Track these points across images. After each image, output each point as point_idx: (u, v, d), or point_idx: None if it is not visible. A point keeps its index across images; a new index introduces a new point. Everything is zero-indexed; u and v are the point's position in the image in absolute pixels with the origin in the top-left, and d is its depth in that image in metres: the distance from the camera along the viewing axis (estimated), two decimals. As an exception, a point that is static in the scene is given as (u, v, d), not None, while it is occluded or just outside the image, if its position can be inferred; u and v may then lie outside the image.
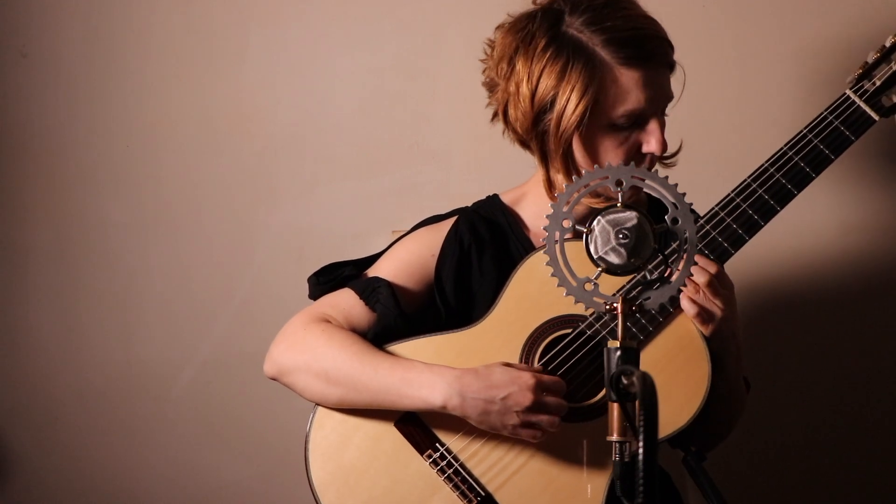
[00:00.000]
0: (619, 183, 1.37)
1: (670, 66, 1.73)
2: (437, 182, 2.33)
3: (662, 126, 1.71)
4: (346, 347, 1.73)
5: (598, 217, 1.35)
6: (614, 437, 1.31)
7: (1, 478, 2.40)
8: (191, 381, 2.38)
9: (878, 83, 1.71)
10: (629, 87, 1.67)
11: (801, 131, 1.71)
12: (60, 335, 2.39)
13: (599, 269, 1.36)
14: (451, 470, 1.71)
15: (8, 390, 2.39)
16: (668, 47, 1.71)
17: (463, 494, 1.70)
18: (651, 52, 1.68)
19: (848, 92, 1.72)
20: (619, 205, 1.36)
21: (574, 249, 1.38)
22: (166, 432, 2.39)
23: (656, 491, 1.15)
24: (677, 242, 1.36)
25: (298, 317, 1.80)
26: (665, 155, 1.80)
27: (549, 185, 1.76)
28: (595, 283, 1.37)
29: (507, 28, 1.74)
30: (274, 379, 1.80)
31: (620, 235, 1.34)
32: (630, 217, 1.35)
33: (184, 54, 2.37)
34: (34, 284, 2.39)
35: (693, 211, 1.69)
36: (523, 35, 1.71)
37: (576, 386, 1.71)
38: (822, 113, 1.72)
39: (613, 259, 1.35)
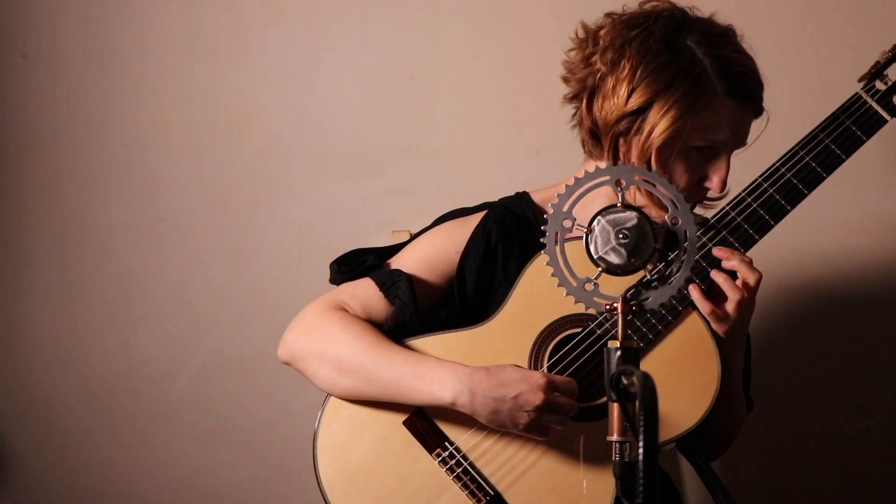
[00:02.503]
0: (618, 183, 1.37)
1: (758, 113, 1.74)
2: (437, 182, 2.33)
3: (728, 167, 1.72)
4: (362, 337, 1.72)
5: (598, 217, 1.35)
6: (614, 437, 1.32)
7: (1, 478, 2.40)
8: (191, 382, 2.38)
9: (889, 83, 1.70)
10: (721, 118, 1.67)
11: (813, 131, 1.71)
12: (60, 335, 2.39)
13: (599, 269, 1.36)
14: (460, 469, 1.70)
15: (8, 390, 2.39)
16: (762, 95, 1.73)
17: (472, 493, 1.69)
18: (751, 93, 1.70)
19: (860, 92, 1.71)
20: (619, 205, 1.36)
21: (575, 249, 1.38)
22: (166, 432, 2.38)
23: (656, 491, 1.15)
24: (683, 243, 1.36)
25: (316, 303, 1.79)
26: (711, 196, 1.81)
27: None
28: (595, 283, 1.37)
29: (623, 19, 1.72)
30: (287, 364, 1.80)
31: (620, 235, 1.34)
32: (630, 217, 1.35)
33: (183, 54, 2.36)
34: (34, 284, 2.39)
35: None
36: (641, 31, 1.69)
37: (585, 385, 1.71)
38: (834, 112, 1.71)
39: (613, 259, 1.35)
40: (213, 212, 2.37)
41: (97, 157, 2.38)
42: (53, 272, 2.39)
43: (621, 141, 1.71)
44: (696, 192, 1.73)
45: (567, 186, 1.41)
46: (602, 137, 1.72)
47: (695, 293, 1.66)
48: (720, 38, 1.70)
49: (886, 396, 2.29)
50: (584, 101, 1.73)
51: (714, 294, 1.68)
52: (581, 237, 1.37)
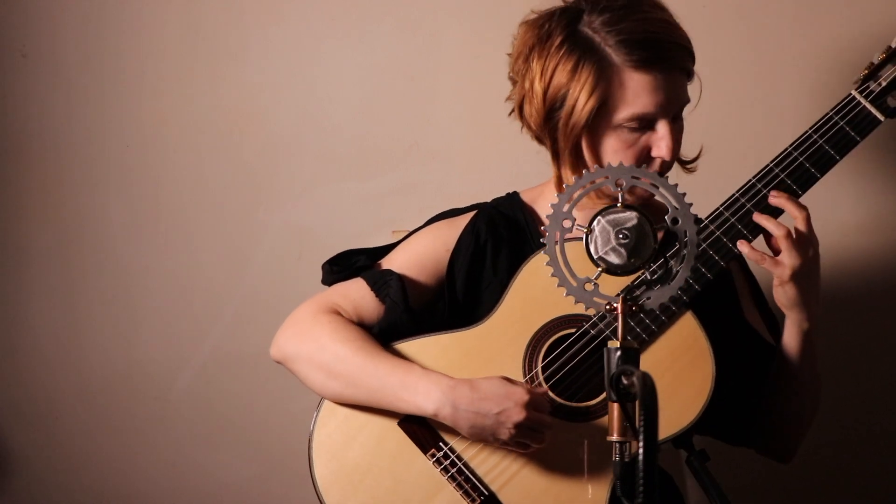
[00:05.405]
0: (619, 183, 1.37)
1: (686, 72, 1.72)
2: (437, 182, 2.33)
3: (675, 131, 1.70)
4: (351, 342, 1.73)
5: (598, 217, 1.36)
6: (614, 438, 1.32)
7: (1, 478, 2.40)
8: (191, 382, 2.38)
9: (883, 84, 1.70)
10: (638, 91, 1.66)
11: (807, 132, 1.71)
12: (60, 335, 2.39)
13: (599, 269, 1.36)
14: (455, 469, 1.71)
15: (8, 390, 2.39)
16: (684, 53, 1.70)
17: (466, 494, 1.70)
18: (663, 56, 1.67)
19: (853, 93, 1.71)
20: (619, 205, 1.36)
21: (575, 249, 1.38)
22: (166, 432, 2.39)
23: (656, 491, 1.15)
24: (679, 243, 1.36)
25: (308, 304, 1.80)
26: (684, 160, 1.80)
27: (559, 182, 1.76)
28: (595, 284, 1.37)
29: (527, 25, 1.75)
30: (279, 363, 1.81)
31: (620, 235, 1.34)
32: (630, 217, 1.35)
33: (183, 54, 2.37)
34: (34, 284, 2.39)
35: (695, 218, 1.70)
36: (540, 33, 1.71)
37: (579, 385, 1.71)
38: (827, 113, 1.71)
39: (613, 259, 1.35)
40: (213, 212, 2.37)
41: (97, 157, 2.38)
42: (53, 272, 2.39)
43: (556, 138, 1.72)
44: (650, 164, 1.71)
45: (567, 186, 1.41)
46: (542, 139, 1.76)
47: (744, 248, 1.66)
48: (620, 12, 1.68)
49: (886, 396, 2.29)
50: (517, 112, 1.77)
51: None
52: (581, 237, 1.37)
